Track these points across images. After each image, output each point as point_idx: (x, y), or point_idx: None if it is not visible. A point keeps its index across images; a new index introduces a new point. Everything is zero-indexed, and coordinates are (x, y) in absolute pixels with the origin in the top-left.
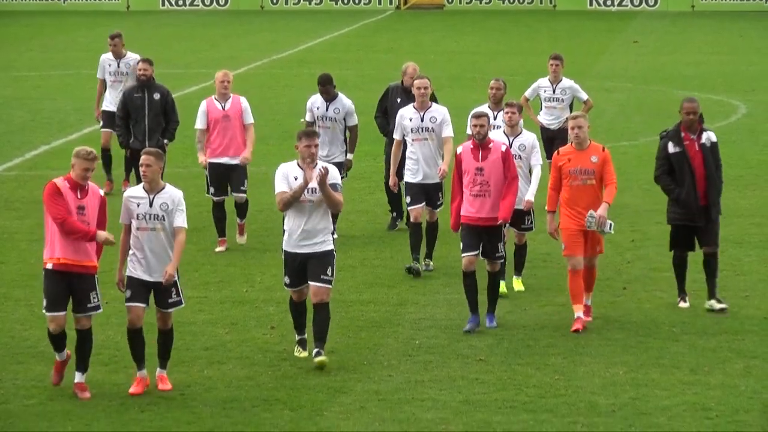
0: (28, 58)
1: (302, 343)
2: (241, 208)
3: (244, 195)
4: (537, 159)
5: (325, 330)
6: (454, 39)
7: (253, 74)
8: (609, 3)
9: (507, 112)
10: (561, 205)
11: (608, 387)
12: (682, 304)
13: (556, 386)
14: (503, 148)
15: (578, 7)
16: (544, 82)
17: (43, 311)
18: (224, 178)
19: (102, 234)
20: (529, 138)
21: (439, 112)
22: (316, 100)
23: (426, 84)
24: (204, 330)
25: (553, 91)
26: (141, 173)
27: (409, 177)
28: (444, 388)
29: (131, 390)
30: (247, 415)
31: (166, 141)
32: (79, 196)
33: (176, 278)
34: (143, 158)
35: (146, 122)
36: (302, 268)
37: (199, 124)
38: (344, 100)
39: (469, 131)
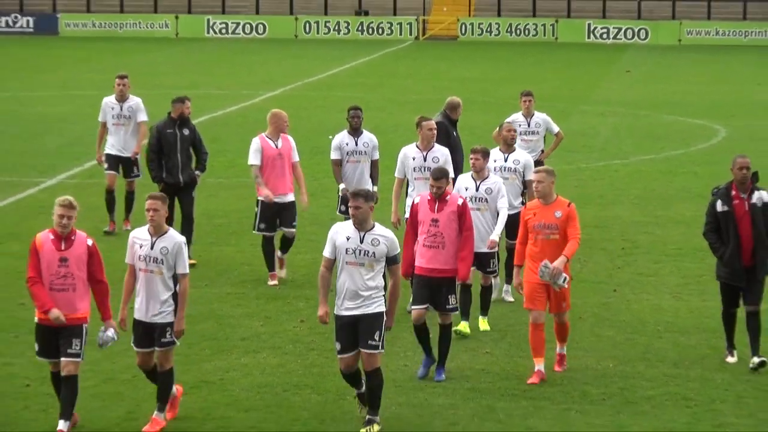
0: (87, 79)
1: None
2: (288, 243)
3: (294, 230)
4: (503, 202)
5: (378, 395)
6: (466, 67)
7: (287, 96)
8: (605, 36)
9: (472, 158)
10: (527, 258)
11: (599, 378)
12: (729, 359)
13: (553, 377)
14: (460, 202)
15: (577, 39)
16: (518, 117)
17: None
18: (276, 215)
19: (54, 312)
20: (496, 182)
21: (441, 153)
22: (343, 137)
23: (435, 126)
24: (241, 322)
25: (528, 125)
26: (148, 217)
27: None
28: (453, 377)
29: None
30: (278, 398)
31: (198, 173)
32: (62, 248)
33: (172, 320)
34: (150, 203)
35: (179, 156)
36: (353, 330)
37: (255, 160)
38: (369, 135)
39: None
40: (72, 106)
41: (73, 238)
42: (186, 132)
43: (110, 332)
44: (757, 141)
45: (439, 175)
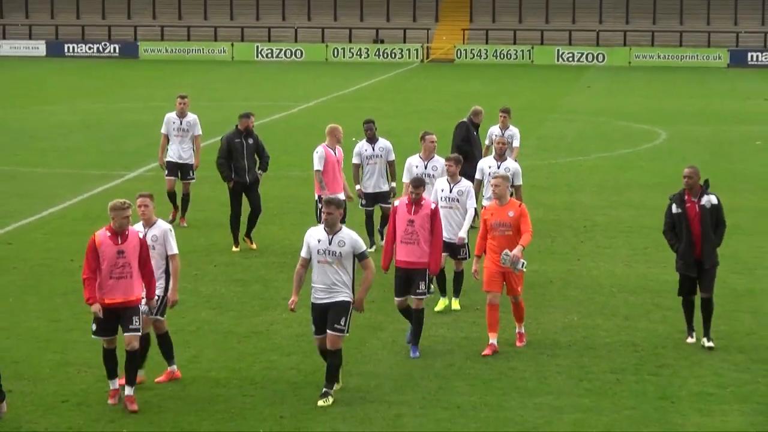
0: (161, 94)
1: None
2: None
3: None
4: (471, 203)
5: (334, 372)
6: (461, 84)
7: (320, 107)
8: (570, 59)
9: (446, 165)
10: (487, 250)
11: (566, 329)
12: (689, 340)
13: (529, 328)
14: (432, 206)
15: (549, 62)
16: (495, 129)
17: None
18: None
19: (96, 306)
20: (466, 185)
21: (439, 162)
22: (363, 145)
23: (435, 138)
24: (283, 285)
25: (503, 136)
26: (140, 213)
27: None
28: (450, 328)
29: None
30: (313, 345)
31: (260, 172)
32: (119, 242)
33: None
34: (140, 200)
35: (245, 161)
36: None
37: (319, 166)
38: (384, 141)
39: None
40: (149, 115)
41: (126, 233)
42: (251, 141)
43: (145, 309)
44: (691, 142)
45: (418, 183)
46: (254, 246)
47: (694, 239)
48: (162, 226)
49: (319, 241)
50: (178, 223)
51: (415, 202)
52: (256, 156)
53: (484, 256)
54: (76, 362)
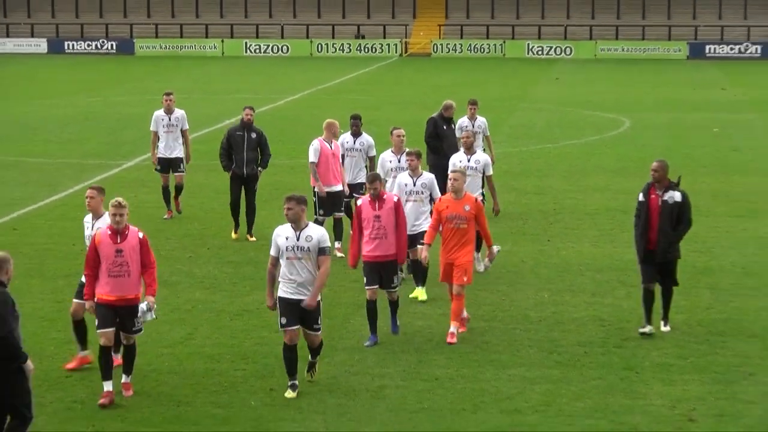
0: (156, 88)
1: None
2: (339, 226)
3: (342, 214)
4: (436, 193)
5: (317, 355)
6: (437, 76)
7: (306, 98)
8: (540, 53)
9: (407, 159)
10: (442, 241)
11: (537, 305)
12: (644, 329)
13: (503, 304)
14: (395, 200)
15: (519, 55)
16: (464, 120)
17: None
18: (330, 201)
19: (89, 303)
20: (428, 177)
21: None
22: (346, 137)
23: (404, 133)
24: None
25: (472, 126)
26: (87, 204)
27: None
28: (429, 305)
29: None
30: None
31: (260, 169)
32: (118, 241)
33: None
34: (88, 191)
35: (244, 154)
36: (296, 311)
37: (314, 158)
38: (367, 137)
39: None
40: (144, 108)
41: (126, 232)
42: (253, 135)
43: (144, 305)
44: (652, 129)
45: (372, 179)
46: (254, 239)
47: (650, 230)
48: (107, 219)
49: (287, 239)
50: (176, 210)
51: (377, 197)
52: (259, 152)
53: (440, 248)
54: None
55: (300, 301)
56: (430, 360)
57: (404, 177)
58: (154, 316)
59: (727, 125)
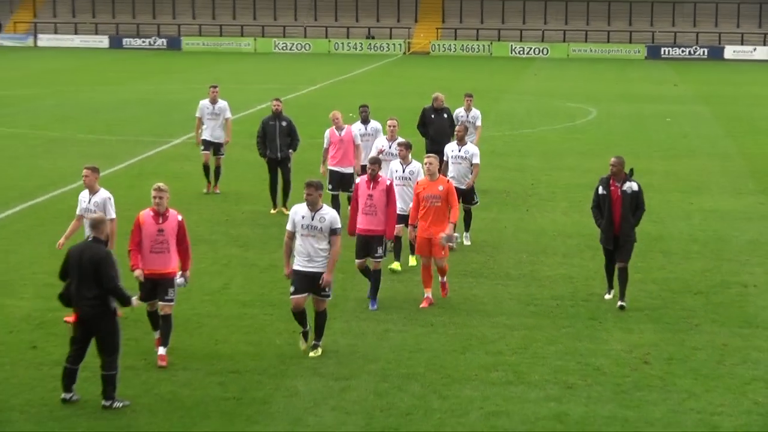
0: (199, 78)
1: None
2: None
3: (349, 193)
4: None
5: (323, 328)
6: (435, 71)
7: (325, 89)
8: (521, 52)
9: (398, 150)
10: (420, 219)
11: (517, 264)
12: (606, 296)
13: (488, 264)
14: (388, 182)
15: (504, 54)
16: (461, 111)
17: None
18: (339, 179)
19: (137, 272)
20: (416, 165)
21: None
22: (358, 125)
23: (396, 123)
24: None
25: (467, 117)
26: (83, 181)
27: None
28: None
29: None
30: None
31: (291, 151)
32: (160, 222)
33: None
34: (84, 171)
35: (277, 140)
36: (306, 281)
37: (324, 145)
38: (376, 123)
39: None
40: (189, 95)
41: (167, 214)
42: (284, 123)
43: (181, 279)
44: (615, 118)
45: (374, 161)
46: (288, 212)
47: (614, 218)
48: (103, 194)
49: (303, 217)
50: (213, 191)
51: (373, 178)
52: (289, 137)
53: (418, 224)
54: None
55: (311, 272)
56: (426, 309)
57: (395, 164)
58: (187, 284)
59: (678, 115)
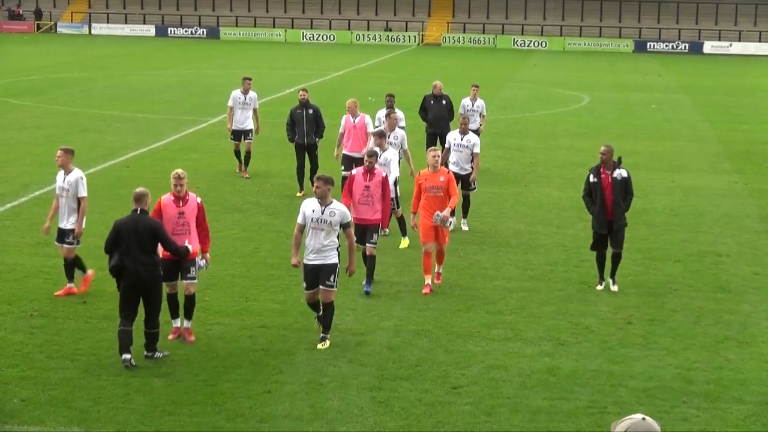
0: (235, 64)
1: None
2: None
3: None
4: (394, 169)
5: (330, 320)
6: (445, 60)
7: (347, 75)
8: (522, 45)
9: (374, 140)
10: (421, 208)
11: (515, 234)
12: (598, 287)
13: (490, 233)
14: (384, 175)
15: (507, 46)
16: (467, 101)
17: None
18: (352, 163)
19: (190, 247)
20: (391, 153)
21: (399, 134)
22: (383, 111)
23: (396, 116)
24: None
25: (473, 106)
26: (56, 161)
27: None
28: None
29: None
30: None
31: (317, 138)
32: (180, 205)
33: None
34: (58, 152)
35: (304, 127)
36: (314, 276)
37: (341, 129)
38: (399, 112)
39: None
40: (227, 79)
41: (186, 197)
42: (310, 111)
43: (203, 261)
44: (605, 104)
45: (371, 153)
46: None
47: (607, 204)
48: (76, 174)
49: (313, 211)
50: (242, 175)
51: (369, 170)
52: (315, 125)
53: (419, 213)
54: None
55: (318, 265)
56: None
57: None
58: (208, 266)
59: (662, 103)
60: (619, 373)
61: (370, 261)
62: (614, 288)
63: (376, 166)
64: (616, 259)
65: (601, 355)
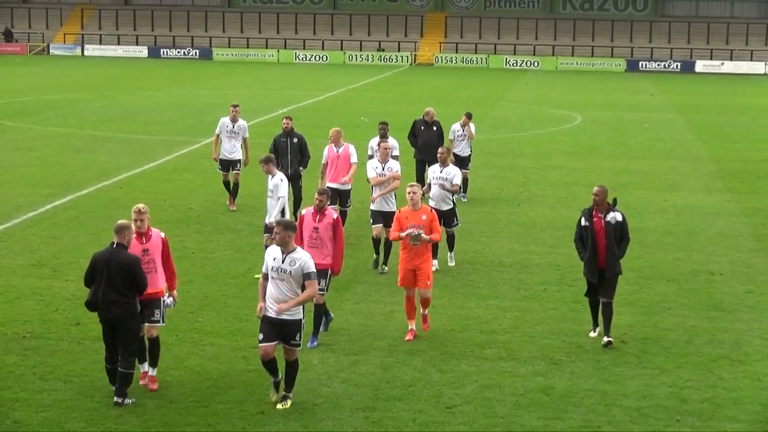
0: (229, 85)
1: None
2: (343, 216)
3: (347, 210)
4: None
5: (293, 378)
6: (438, 80)
7: (340, 95)
8: (515, 65)
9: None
10: (401, 249)
11: (509, 253)
12: (591, 334)
13: (483, 252)
14: (335, 215)
15: (499, 66)
16: (457, 126)
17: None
18: (336, 195)
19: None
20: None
21: (395, 164)
22: (374, 142)
23: (388, 146)
24: None
25: (462, 131)
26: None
27: (374, 206)
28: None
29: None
30: None
31: (301, 168)
32: (144, 242)
33: None
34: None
35: (288, 157)
36: (275, 329)
37: (323, 161)
38: (393, 140)
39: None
40: (219, 100)
41: (149, 234)
42: (294, 140)
43: (170, 300)
44: (598, 123)
45: (322, 191)
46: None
47: (598, 250)
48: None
49: (274, 259)
50: (230, 207)
51: (320, 210)
52: (300, 154)
53: (400, 254)
54: None
55: (281, 321)
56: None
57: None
58: (175, 304)
59: (654, 122)
60: (612, 392)
61: (316, 311)
62: (608, 338)
63: (330, 207)
64: (607, 310)
65: (595, 374)
